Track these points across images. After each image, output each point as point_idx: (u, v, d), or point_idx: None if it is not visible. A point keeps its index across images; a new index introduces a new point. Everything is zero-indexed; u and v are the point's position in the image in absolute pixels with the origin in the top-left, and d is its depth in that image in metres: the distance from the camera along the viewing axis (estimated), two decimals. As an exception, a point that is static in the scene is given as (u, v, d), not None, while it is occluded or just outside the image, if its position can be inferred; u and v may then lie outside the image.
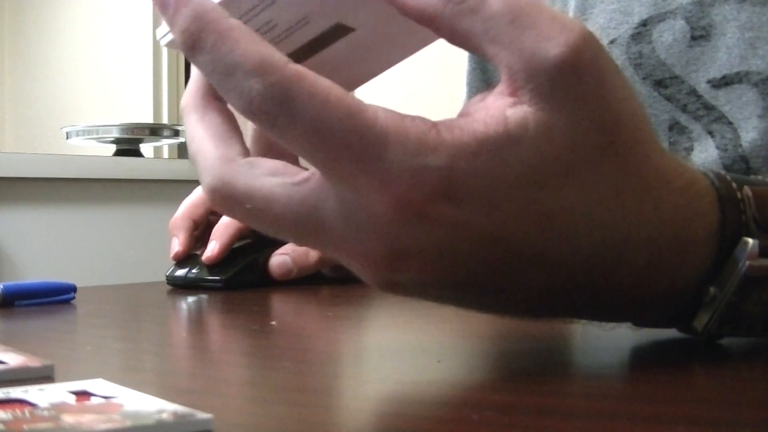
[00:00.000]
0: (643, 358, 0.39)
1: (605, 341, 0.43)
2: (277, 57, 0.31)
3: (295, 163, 0.34)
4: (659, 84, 0.64)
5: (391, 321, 0.53)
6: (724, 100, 0.62)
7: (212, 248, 0.71)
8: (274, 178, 0.33)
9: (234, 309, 0.61)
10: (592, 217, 0.32)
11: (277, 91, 0.30)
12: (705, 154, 0.61)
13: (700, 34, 0.64)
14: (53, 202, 1.92)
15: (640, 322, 0.38)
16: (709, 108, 0.63)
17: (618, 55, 0.67)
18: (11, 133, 3.74)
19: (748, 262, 0.34)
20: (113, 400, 0.27)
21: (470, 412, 0.27)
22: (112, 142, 2.15)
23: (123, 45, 3.27)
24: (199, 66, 0.32)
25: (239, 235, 0.72)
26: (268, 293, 0.67)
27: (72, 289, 0.60)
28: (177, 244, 0.73)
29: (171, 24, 0.33)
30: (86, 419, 0.24)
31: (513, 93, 0.31)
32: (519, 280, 0.33)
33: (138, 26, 3.23)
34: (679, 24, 0.64)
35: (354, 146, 0.30)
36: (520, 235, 0.32)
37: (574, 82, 0.31)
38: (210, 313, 0.60)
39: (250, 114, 0.31)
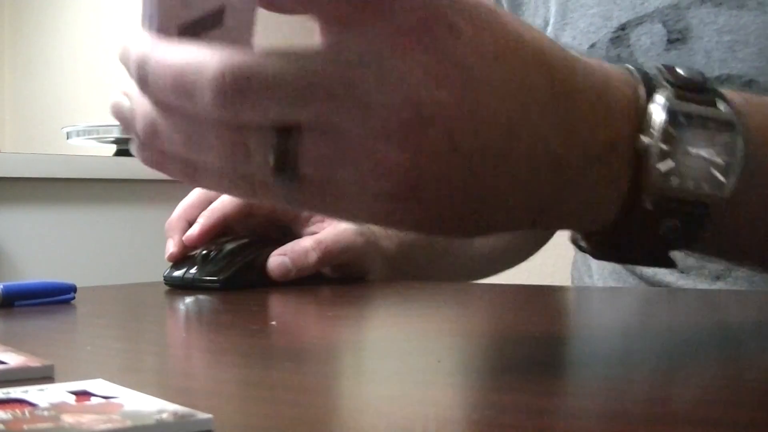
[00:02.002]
0: (643, 359, 0.39)
1: (605, 341, 0.43)
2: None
3: None
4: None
5: (391, 321, 0.53)
6: None
7: (192, 230, 0.72)
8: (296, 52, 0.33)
9: (234, 309, 0.61)
10: (540, 46, 0.35)
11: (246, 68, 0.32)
12: None
13: (676, 38, 0.64)
14: (53, 202, 1.92)
15: (593, 206, 0.38)
16: None
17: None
18: (11, 133, 3.74)
19: (667, 103, 0.37)
20: (113, 400, 0.27)
21: (470, 412, 0.27)
22: (113, 142, 2.15)
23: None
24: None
25: (225, 221, 0.72)
26: (268, 293, 0.67)
27: (72, 289, 0.60)
28: (172, 245, 0.73)
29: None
30: (86, 419, 0.24)
31: None
32: (506, 133, 0.34)
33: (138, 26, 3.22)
34: (657, 27, 0.65)
35: None
36: (509, 59, 0.34)
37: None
38: (210, 313, 0.60)
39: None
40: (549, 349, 0.41)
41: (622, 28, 0.67)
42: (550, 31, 0.77)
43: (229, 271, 0.70)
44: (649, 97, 0.37)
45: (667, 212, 0.38)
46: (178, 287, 0.70)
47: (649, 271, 0.74)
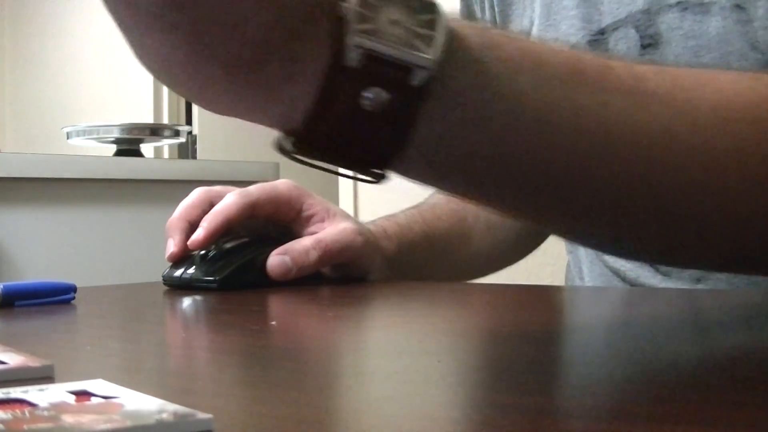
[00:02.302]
0: (643, 358, 0.39)
1: (605, 341, 0.43)
2: None
3: None
4: None
5: (391, 321, 0.53)
6: None
7: (197, 233, 0.72)
8: None
9: (234, 309, 0.61)
10: None
11: None
12: None
13: (648, 43, 0.66)
14: (53, 202, 1.92)
15: (292, 79, 0.36)
16: None
17: None
18: (11, 133, 3.74)
19: None
20: (113, 400, 0.27)
21: (470, 412, 0.27)
22: (113, 142, 2.15)
23: (123, 45, 3.27)
24: None
25: (228, 224, 0.72)
26: (268, 293, 0.67)
27: (72, 289, 0.60)
28: (172, 245, 0.73)
29: None
30: (86, 419, 0.24)
31: None
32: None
33: (138, 26, 3.22)
34: (631, 32, 0.66)
35: None
36: None
37: None
38: (210, 313, 0.60)
39: None
40: (549, 349, 0.41)
41: (601, 32, 0.69)
42: (535, 32, 0.78)
43: (227, 271, 0.70)
44: None
45: (371, 75, 0.36)
46: (176, 287, 0.70)
47: (632, 273, 0.75)
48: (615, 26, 0.69)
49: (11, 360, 0.34)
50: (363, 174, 0.39)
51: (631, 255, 0.55)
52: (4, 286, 0.57)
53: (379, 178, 0.39)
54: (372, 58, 0.36)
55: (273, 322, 0.51)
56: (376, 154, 0.38)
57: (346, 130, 0.37)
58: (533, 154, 0.39)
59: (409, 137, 0.37)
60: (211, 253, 0.71)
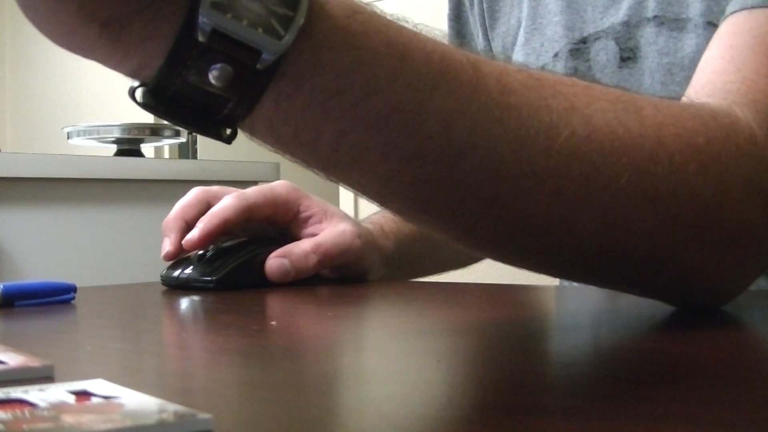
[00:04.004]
0: (643, 358, 0.39)
1: (605, 341, 0.43)
2: None
3: None
4: None
5: (391, 321, 0.53)
6: None
7: (192, 234, 0.71)
8: None
9: (233, 309, 0.61)
10: None
11: None
12: None
13: (627, 56, 0.65)
14: (53, 202, 1.92)
15: (140, 49, 0.36)
16: None
17: (559, 69, 0.68)
18: (11, 133, 3.74)
19: None
20: (113, 400, 0.27)
21: (470, 412, 0.27)
22: (113, 142, 2.15)
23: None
24: None
25: (225, 226, 0.72)
26: (268, 293, 0.67)
27: (72, 289, 0.60)
28: (168, 245, 0.73)
29: None
30: (86, 419, 0.24)
31: None
32: None
33: (138, 26, 3.22)
34: (611, 44, 0.66)
35: None
36: None
37: None
38: (209, 313, 0.60)
39: None
40: (549, 349, 0.41)
41: (583, 41, 0.68)
42: (521, 34, 0.77)
43: (224, 271, 0.70)
44: None
45: (219, 51, 0.35)
46: (174, 287, 0.70)
47: None
48: (596, 36, 0.68)
49: (11, 360, 0.34)
50: (208, 135, 0.38)
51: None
52: (4, 286, 0.57)
53: (226, 139, 0.38)
54: (220, 34, 0.35)
55: (273, 322, 0.51)
56: (219, 119, 0.37)
57: (192, 95, 0.36)
58: (374, 149, 0.38)
59: (255, 110, 0.37)
60: (208, 254, 0.71)
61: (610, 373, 0.35)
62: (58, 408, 0.26)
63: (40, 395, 0.27)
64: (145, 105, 0.37)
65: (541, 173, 0.40)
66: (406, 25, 0.39)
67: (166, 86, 0.36)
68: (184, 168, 2.02)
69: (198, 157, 3.25)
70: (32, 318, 0.54)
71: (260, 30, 0.35)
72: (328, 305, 0.64)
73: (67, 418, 0.24)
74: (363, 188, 0.41)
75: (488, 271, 1.45)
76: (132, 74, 0.38)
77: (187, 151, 3.32)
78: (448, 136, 0.38)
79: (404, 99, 0.38)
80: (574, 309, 0.59)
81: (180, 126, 0.39)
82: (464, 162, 0.39)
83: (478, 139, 0.39)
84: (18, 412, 0.25)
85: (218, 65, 0.35)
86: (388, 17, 0.39)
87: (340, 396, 0.32)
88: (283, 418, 0.28)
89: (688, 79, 0.62)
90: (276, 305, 0.62)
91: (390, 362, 0.38)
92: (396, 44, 0.38)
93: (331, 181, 0.41)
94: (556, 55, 0.70)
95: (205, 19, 0.35)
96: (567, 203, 0.41)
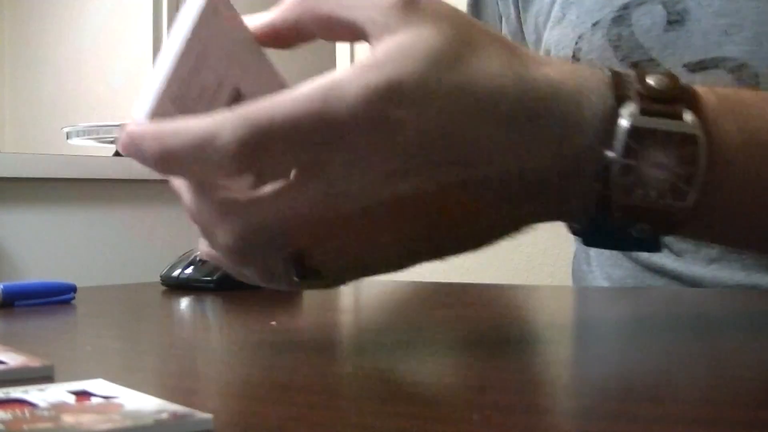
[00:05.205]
0: (643, 358, 0.39)
1: (605, 342, 0.43)
2: (226, 112, 0.35)
3: None
4: (635, 66, 0.65)
5: (391, 321, 0.53)
6: (699, 84, 0.62)
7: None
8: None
9: (234, 309, 0.61)
10: (499, 85, 0.37)
11: (249, 128, 0.35)
12: None
13: (675, 19, 0.65)
14: (53, 202, 1.92)
15: (570, 209, 0.41)
16: None
17: (599, 37, 0.68)
18: (11, 133, 3.74)
19: (630, 119, 0.38)
20: (113, 400, 0.27)
21: (470, 412, 0.27)
22: (113, 142, 2.15)
23: (123, 45, 3.26)
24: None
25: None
26: (268, 293, 0.67)
27: (72, 289, 0.60)
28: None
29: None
30: (86, 419, 0.24)
31: (380, 35, 0.38)
32: (474, 177, 0.37)
33: (138, 26, 3.22)
34: (657, 8, 0.65)
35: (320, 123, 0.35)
36: (460, 121, 0.37)
37: (418, 7, 0.38)
38: (210, 313, 0.60)
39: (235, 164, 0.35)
40: (549, 349, 0.41)
41: (625, 7, 0.67)
42: (557, 9, 0.75)
43: (223, 271, 0.70)
44: (618, 109, 0.39)
45: (635, 219, 0.40)
46: (174, 287, 0.70)
47: (644, 254, 0.74)
48: (639, 2, 0.67)
49: (11, 360, 0.34)
50: (641, 251, 0.44)
51: None
52: (4, 286, 0.57)
53: (657, 250, 0.42)
54: (636, 208, 0.39)
55: (273, 322, 0.51)
56: (640, 245, 0.42)
57: (614, 238, 0.41)
58: None
59: (675, 233, 0.42)
60: None
61: (609, 373, 0.35)
62: (58, 408, 0.26)
63: (40, 395, 0.27)
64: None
65: None
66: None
67: (585, 236, 0.42)
68: (184, 168, 2.02)
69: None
70: (32, 318, 0.54)
71: (668, 196, 0.39)
72: (328, 305, 0.64)
73: (67, 418, 0.24)
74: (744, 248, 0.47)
75: (487, 272, 1.45)
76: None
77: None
78: None
79: None
80: (574, 309, 0.59)
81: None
82: None
83: None
84: (18, 412, 0.25)
85: (635, 227, 0.40)
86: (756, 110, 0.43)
87: (340, 396, 0.32)
88: (283, 418, 0.28)
89: (745, 39, 0.62)
90: (276, 305, 0.62)
91: (390, 362, 0.38)
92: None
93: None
94: (595, 24, 0.69)
95: (617, 199, 0.39)
96: None
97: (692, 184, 0.39)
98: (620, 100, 0.39)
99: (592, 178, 0.39)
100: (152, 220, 1.97)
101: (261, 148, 0.35)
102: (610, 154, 0.39)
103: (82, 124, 2.18)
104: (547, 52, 0.73)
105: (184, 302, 0.64)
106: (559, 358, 0.40)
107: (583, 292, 0.75)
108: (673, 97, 0.40)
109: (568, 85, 0.39)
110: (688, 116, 0.39)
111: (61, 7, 3.57)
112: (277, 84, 0.40)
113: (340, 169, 0.36)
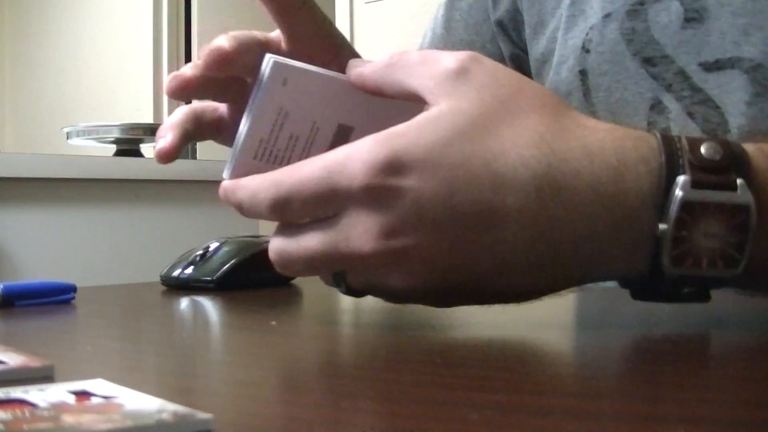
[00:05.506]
0: (642, 358, 0.39)
1: (605, 341, 0.43)
2: (272, 173, 0.43)
3: None
4: (648, 62, 0.64)
5: (391, 321, 0.53)
6: (713, 84, 0.61)
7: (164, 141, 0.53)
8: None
9: (234, 309, 0.61)
10: (524, 157, 0.39)
11: (273, 190, 0.42)
12: None
13: (692, 17, 0.63)
14: (53, 202, 1.92)
15: (609, 273, 0.42)
16: (695, 90, 0.62)
17: (613, 29, 0.66)
18: (11, 133, 3.74)
19: (682, 192, 0.39)
20: (113, 400, 0.27)
21: (470, 412, 0.27)
22: (113, 142, 2.15)
23: (123, 45, 3.27)
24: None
25: (193, 117, 0.54)
26: (268, 293, 0.67)
27: (72, 289, 0.60)
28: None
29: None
30: (86, 419, 0.24)
31: (431, 103, 0.41)
32: (482, 237, 0.39)
33: (138, 26, 3.22)
34: (674, 5, 0.64)
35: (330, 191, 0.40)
36: (465, 186, 0.39)
37: (470, 77, 0.41)
38: (210, 313, 0.60)
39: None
40: (549, 349, 0.41)
41: (641, 2, 0.66)
42: (568, 1, 0.71)
43: (224, 271, 0.70)
44: (669, 181, 0.39)
45: (684, 284, 0.41)
46: (174, 287, 0.70)
47: None
48: None
49: (11, 360, 0.34)
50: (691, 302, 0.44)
51: None
52: (4, 286, 0.57)
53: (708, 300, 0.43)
54: (685, 276, 0.40)
55: (273, 322, 0.51)
56: (689, 299, 0.43)
57: (662, 295, 0.43)
58: None
59: (725, 287, 0.43)
60: (208, 254, 0.71)
61: (609, 373, 0.35)
62: (58, 408, 0.26)
63: (40, 395, 0.27)
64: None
65: None
66: None
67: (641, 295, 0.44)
68: (184, 168, 2.02)
69: (197, 158, 3.25)
70: (32, 318, 0.54)
71: (720, 264, 0.40)
72: (328, 305, 0.64)
73: (67, 418, 0.24)
74: None
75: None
76: None
77: (186, 151, 3.32)
78: None
79: None
80: (574, 310, 0.59)
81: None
82: None
83: None
84: (18, 412, 0.25)
85: (686, 290, 0.42)
86: None
87: (340, 396, 0.32)
88: (283, 418, 0.28)
89: (764, 40, 0.60)
90: (276, 305, 0.62)
91: (389, 362, 0.38)
92: None
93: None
94: (607, 15, 0.67)
95: (668, 270, 0.40)
96: None
97: (743, 250, 0.40)
98: (672, 170, 0.39)
99: (640, 249, 0.40)
100: (152, 220, 1.97)
101: (282, 205, 0.42)
102: (661, 226, 0.39)
103: (82, 124, 2.18)
104: (561, 57, 0.69)
105: (184, 302, 0.64)
106: (559, 357, 0.40)
107: (583, 292, 0.75)
108: (725, 166, 0.40)
109: (610, 157, 0.40)
110: (740, 184, 0.40)
111: (61, 7, 3.57)
112: (385, 105, 0.45)
113: (345, 224, 0.41)
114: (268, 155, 0.45)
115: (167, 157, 0.52)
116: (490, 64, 0.42)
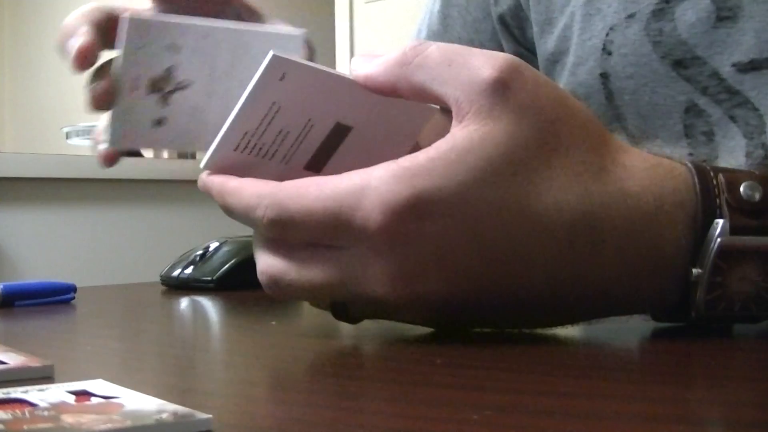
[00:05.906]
0: (643, 358, 0.39)
1: (605, 341, 0.43)
2: (270, 186, 0.39)
3: None
4: (678, 64, 0.61)
5: (391, 322, 0.53)
6: (750, 86, 0.59)
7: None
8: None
9: (234, 309, 0.61)
10: (559, 202, 0.37)
11: (276, 210, 0.38)
12: (733, 142, 0.58)
13: (726, 15, 0.60)
14: (53, 202, 1.92)
15: (637, 310, 0.42)
16: (732, 92, 0.59)
17: (636, 31, 0.62)
18: (11, 133, 3.74)
19: (719, 239, 0.38)
20: (113, 400, 0.27)
21: (470, 412, 0.27)
22: (113, 142, 2.14)
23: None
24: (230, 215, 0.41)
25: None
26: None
27: (72, 289, 0.60)
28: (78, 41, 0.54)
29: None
30: (86, 419, 0.24)
31: (461, 119, 0.37)
32: (509, 281, 0.38)
33: (138, 26, 3.21)
34: (704, 3, 0.59)
35: (337, 222, 0.37)
36: (494, 232, 0.36)
37: (508, 95, 0.37)
38: (210, 313, 0.60)
39: (269, 231, 0.39)
40: (549, 350, 0.41)
41: (666, 1, 0.62)
42: (581, 5, 0.68)
43: (224, 271, 0.70)
44: (706, 223, 0.38)
45: (713, 322, 0.40)
46: (174, 287, 0.70)
47: None
48: None
49: (11, 360, 0.34)
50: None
51: None
52: (4, 286, 0.57)
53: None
54: (717, 317, 0.40)
55: (273, 322, 0.51)
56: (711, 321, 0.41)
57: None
58: None
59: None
60: (208, 254, 0.71)
61: (609, 373, 0.35)
62: (58, 408, 0.26)
63: (40, 395, 0.27)
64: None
65: None
66: None
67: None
68: (184, 168, 2.02)
69: (197, 158, 3.25)
70: (32, 318, 0.54)
71: (752, 307, 0.39)
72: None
73: (67, 418, 0.24)
74: None
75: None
76: None
77: (186, 152, 3.32)
78: None
79: None
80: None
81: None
82: None
83: None
84: (18, 412, 0.25)
85: (717, 325, 0.41)
86: None
87: (340, 396, 0.32)
88: (283, 418, 0.28)
89: None
90: (276, 305, 0.62)
91: (389, 362, 0.38)
92: None
93: None
94: (630, 16, 0.64)
95: (701, 313, 0.39)
96: None
97: None
98: (709, 213, 0.38)
99: (672, 293, 0.39)
100: (152, 220, 1.97)
101: (284, 226, 0.38)
102: (695, 271, 0.38)
103: (82, 124, 2.18)
104: (578, 58, 0.67)
105: (184, 302, 0.64)
106: (558, 358, 0.40)
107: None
108: (765, 209, 0.39)
109: (647, 203, 0.38)
110: None
111: (61, 7, 3.57)
112: (390, 105, 0.42)
113: (356, 262, 0.38)
114: (251, 148, 0.42)
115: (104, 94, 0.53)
116: (531, 77, 0.38)
